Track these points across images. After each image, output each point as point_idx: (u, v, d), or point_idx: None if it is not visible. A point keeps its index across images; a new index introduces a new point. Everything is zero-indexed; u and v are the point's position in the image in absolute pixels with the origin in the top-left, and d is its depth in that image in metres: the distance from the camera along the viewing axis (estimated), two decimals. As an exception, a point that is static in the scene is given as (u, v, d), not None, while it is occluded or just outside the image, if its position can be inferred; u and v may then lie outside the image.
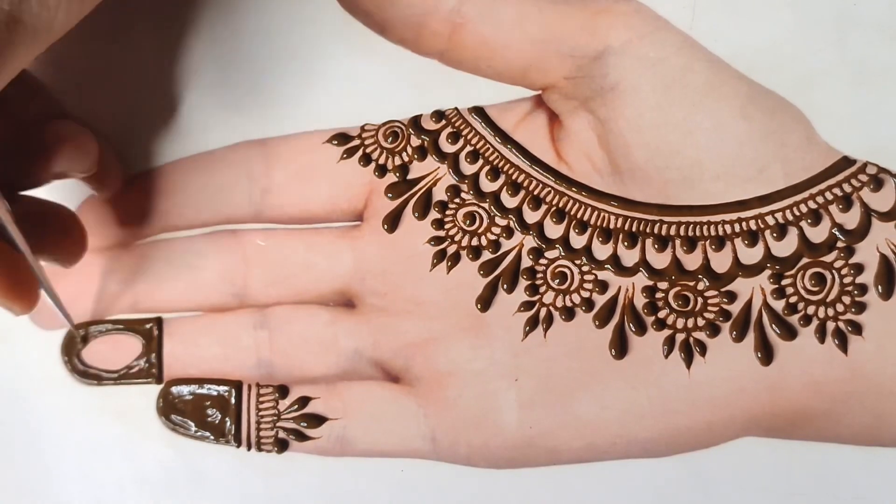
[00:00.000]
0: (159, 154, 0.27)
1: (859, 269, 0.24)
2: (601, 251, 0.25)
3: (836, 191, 0.24)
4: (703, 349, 0.25)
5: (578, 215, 0.25)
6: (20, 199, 0.23)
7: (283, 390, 0.27)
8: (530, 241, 0.26)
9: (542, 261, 0.26)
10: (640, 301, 0.25)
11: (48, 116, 0.24)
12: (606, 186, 0.25)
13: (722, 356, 0.25)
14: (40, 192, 0.23)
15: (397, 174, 0.26)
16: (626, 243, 0.25)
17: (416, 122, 0.26)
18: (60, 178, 0.23)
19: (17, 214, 0.22)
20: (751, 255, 0.24)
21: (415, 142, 0.26)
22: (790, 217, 0.24)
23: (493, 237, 0.26)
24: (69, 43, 0.26)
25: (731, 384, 0.24)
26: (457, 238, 0.26)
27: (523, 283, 0.26)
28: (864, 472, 0.24)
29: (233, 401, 0.27)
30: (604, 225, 0.25)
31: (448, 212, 0.26)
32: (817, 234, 0.24)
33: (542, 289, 0.25)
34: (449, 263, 0.26)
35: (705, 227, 0.25)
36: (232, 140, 0.27)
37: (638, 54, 0.24)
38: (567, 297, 0.25)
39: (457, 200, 0.26)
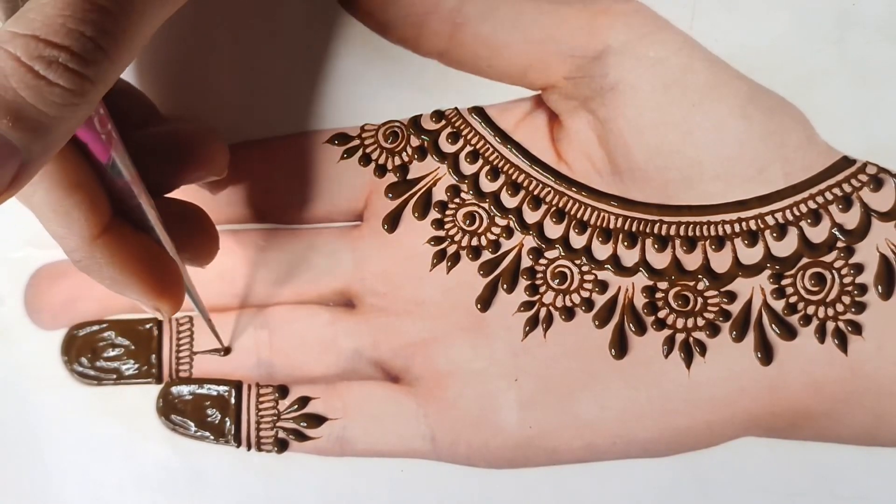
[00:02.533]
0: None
1: (859, 269, 0.24)
2: (601, 251, 0.25)
3: (836, 191, 0.24)
4: (702, 349, 0.25)
5: (578, 215, 0.25)
6: (161, 200, 0.23)
7: (282, 390, 0.27)
8: (530, 241, 0.26)
9: (542, 261, 0.26)
10: (639, 301, 0.25)
11: (153, 119, 0.24)
12: (606, 186, 0.25)
13: (722, 356, 0.25)
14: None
15: (397, 174, 0.26)
16: (625, 243, 0.25)
17: (415, 122, 0.26)
18: (195, 181, 0.24)
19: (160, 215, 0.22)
20: (751, 255, 0.24)
21: (415, 142, 0.26)
22: (790, 217, 0.24)
23: (492, 237, 0.26)
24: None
25: (731, 384, 0.24)
26: (457, 238, 0.26)
27: (523, 283, 0.26)
28: (864, 472, 0.24)
29: (232, 401, 0.27)
30: (604, 225, 0.25)
31: (448, 212, 0.26)
32: (817, 234, 0.24)
33: (542, 289, 0.25)
34: (449, 263, 0.26)
35: (705, 227, 0.25)
36: (232, 140, 0.27)
37: (638, 54, 0.24)
38: (567, 297, 0.25)
39: (457, 200, 0.26)
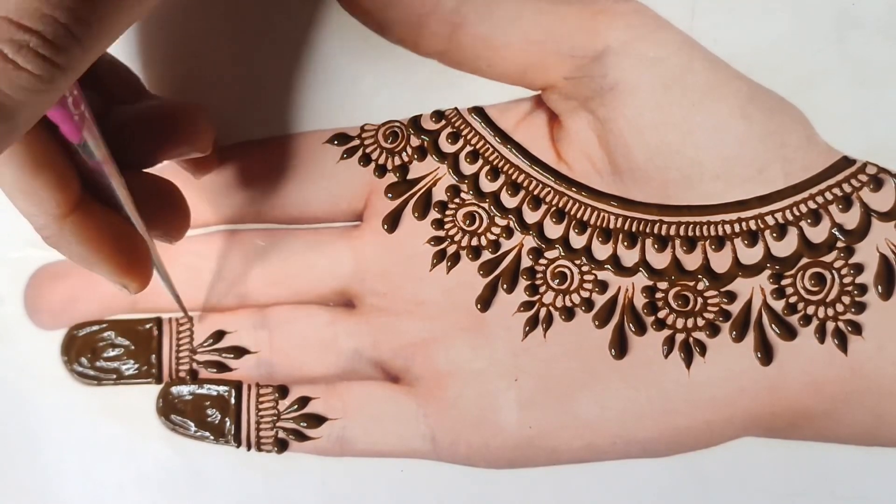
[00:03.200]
0: (159, 154, 0.27)
1: (859, 269, 0.24)
2: (601, 251, 0.25)
3: (836, 191, 0.24)
4: (702, 349, 0.25)
5: (578, 215, 0.25)
6: (132, 175, 0.23)
7: (282, 390, 0.27)
8: (530, 241, 0.26)
9: (542, 261, 0.26)
10: (639, 301, 0.25)
11: (139, 94, 0.24)
12: (606, 186, 0.25)
13: (722, 356, 0.25)
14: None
15: (397, 174, 0.26)
16: (625, 243, 0.25)
17: (415, 122, 0.26)
18: (178, 157, 0.24)
19: (129, 189, 0.22)
20: (751, 255, 0.24)
21: (414, 142, 0.26)
22: (790, 217, 0.24)
23: (492, 237, 0.26)
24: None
25: (731, 384, 0.24)
26: (457, 238, 0.26)
27: (523, 283, 0.26)
28: (864, 472, 0.24)
29: (232, 401, 0.27)
30: (603, 225, 0.25)
31: (448, 212, 0.26)
32: (817, 234, 0.24)
33: (542, 289, 0.25)
34: (449, 263, 0.26)
35: (705, 227, 0.25)
36: (232, 140, 0.27)
37: (637, 54, 0.24)
38: (567, 297, 0.25)
39: (457, 200, 0.26)
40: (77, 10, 0.16)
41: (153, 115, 0.23)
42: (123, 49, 0.27)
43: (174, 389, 0.27)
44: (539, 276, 0.25)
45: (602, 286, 0.25)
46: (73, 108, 0.19)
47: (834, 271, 0.24)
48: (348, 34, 0.26)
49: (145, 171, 0.24)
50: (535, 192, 0.26)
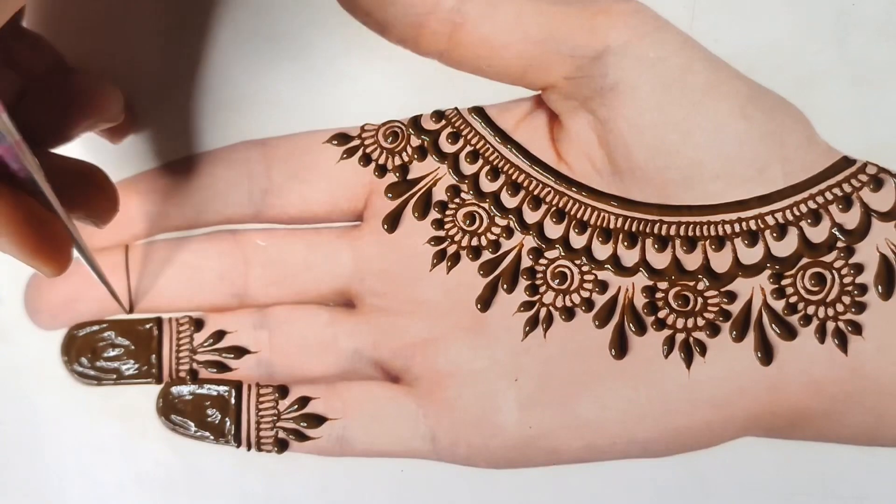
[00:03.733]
0: (159, 154, 0.27)
1: (859, 269, 0.24)
2: (601, 251, 0.25)
3: (836, 191, 0.24)
4: (703, 349, 0.25)
5: (578, 215, 0.25)
6: (50, 157, 0.23)
7: (282, 390, 0.27)
8: (530, 241, 0.26)
9: (542, 261, 0.26)
10: (640, 301, 0.25)
11: (57, 70, 0.24)
12: (606, 186, 0.25)
13: (722, 356, 0.25)
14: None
15: (397, 174, 0.26)
16: (625, 243, 0.25)
17: (416, 122, 0.26)
18: (89, 129, 0.23)
19: (48, 172, 0.21)
20: (751, 255, 0.24)
21: (415, 142, 0.26)
22: (790, 217, 0.24)
23: (493, 237, 0.26)
24: (70, 41, 0.26)
25: (731, 384, 0.24)
26: (457, 238, 0.26)
27: (523, 283, 0.26)
28: (864, 472, 0.24)
29: (232, 401, 0.27)
30: (604, 225, 0.25)
31: (448, 212, 0.26)
32: (817, 234, 0.24)
33: (542, 289, 0.25)
34: (449, 263, 0.26)
35: (705, 227, 0.25)
36: (232, 140, 0.27)
37: (638, 54, 0.24)
38: (567, 297, 0.25)
39: (457, 200, 0.26)
40: None
41: (60, 91, 0.23)
42: (115, 48, 0.27)
43: (174, 389, 0.27)
44: (539, 276, 0.25)
45: (602, 286, 0.25)
46: None
47: (834, 271, 0.24)
48: (348, 34, 0.26)
49: (66, 155, 0.23)
50: (536, 192, 0.26)
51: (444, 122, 0.26)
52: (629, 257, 0.25)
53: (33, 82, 0.23)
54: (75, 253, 0.23)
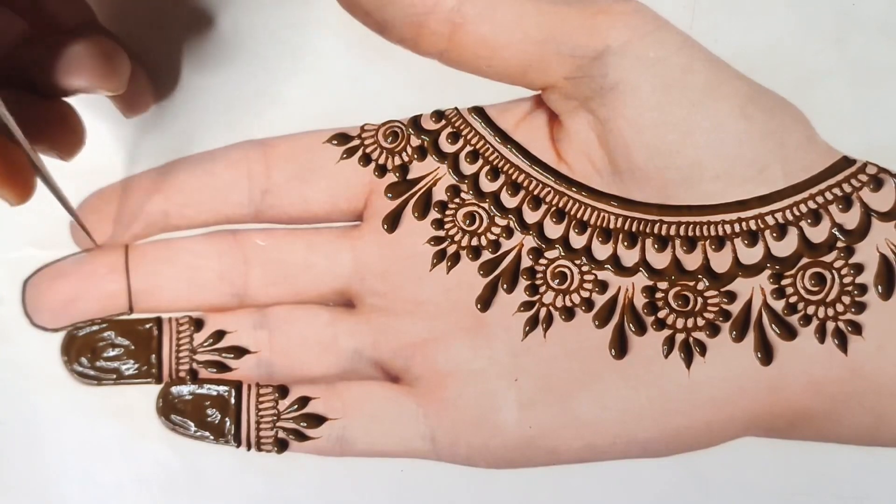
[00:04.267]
0: (159, 154, 0.27)
1: (859, 269, 0.24)
2: (601, 251, 0.25)
3: (836, 191, 0.24)
4: (702, 349, 0.25)
5: (578, 215, 0.25)
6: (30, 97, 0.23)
7: (282, 390, 0.27)
8: (530, 241, 0.26)
9: (542, 261, 0.26)
10: (639, 301, 0.25)
11: (85, 27, 0.24)
12: (606, 186, 0.25)
13: (722, 356, 0.25)
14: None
15: (397, 174, 0.26)
16: (625, 243, 0.25)
17: (416, 122, 0.26)
18: (85, 92, 0.23)
19: (11, 104, 0.21)
20: (751, 255, 0.24)
21: (415, 142, 0.26)
22: (790, 217, 0.24)
23: (492, 237, 0.26)
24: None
25: (731, 384, 0.24)
26: (457, 238, 0.26)
27: (523, 283, 0.26)
28: (864, 472, 0.24)
29: (232, 401, 0.27)
30: (604, 225, 0.25)
31: (448, 212, 0.26)
32: (817, 234, 0.24)
33: (542, 289, 0.25)
34: (449, 263, 0.26)
35: (705, 227, 0.25)
36: (232, 140, 0.27)
37: (638, 54, 0.24)
38: (567, 297, 0.25)
39: (457, 200, 0.26)
40: None
41: (67, 49, 0.22)
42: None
43: (174, 389, 0.27)
44: (539, 276, 0.25)
45: (602, 286, 0.25)
46: None
47: (834, 271, 0.24)
48: (348, 34, 0.26)
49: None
50: (535, 192, 0.26)
51: (444, 122, 0.26)
52: (629, 257, 0.25)
53: (45, 32, 0.22)
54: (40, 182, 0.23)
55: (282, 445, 0.27)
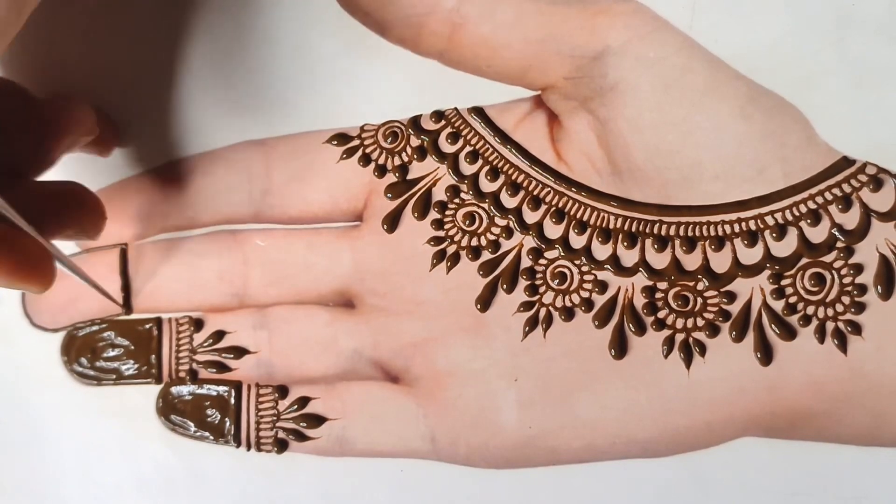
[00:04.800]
0: (159, 154, 0.27)
1: (859, 269, 0.24)
2: (601, 251, 0.25)
3: (836, 191, 0.24)
4: (702, 349, 0.25)
5: (578, 215, 0.25)
6: (28, 184, 0.23)
7: (282, 390, 0.27)
8: (530, 242, 0.26)
9: (542, 261, 0.26)
10: (639, 301, 0.25)
11: (24, 107, 0.24)
12: (606, 186, 0.25)
13: (721, 356, 0.25)
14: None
15: (397, 174, 0.26)
16: (625, 243, 0.25)
17: (415, 122, 0.26)
18: (68, 151, 0.24)
19: (25, 200, 0.21)
20: (750, 256, 0.24)
21: (414, 142, 0.26)
22: (790, 217, 0.24)
23: (492, 237, 0.26)
24: (69, 43, 0.26)
25: (731, 384, 0.24)
26: (456, 238, 0.26)
27: (523, 283, 0.26)
28: (864, 472, 0.24)
29: (232, 401, 0.27)
30: (603, 225, 0.25)
31: (448, 212, 0.26)
32: (817, 235, 0.24)
33: (542, 289, 0.25)
34: (448, 263, 0.26)
35: (705, 228, 0.25)
36: (232, 140, 0.27)
37: (637, 54, 0.24)
38: (566, 298, 0.25)
39: (456, 200, 0.26)
40: None
41: (32, 123, 0.23)
42: (115, 49, 0.27)
43: (174, 389, 0.27)
44: (539, 276, 0.25)
45: (602, 286, 0.25)
46: None
47: (834, 271, 0.24)
48: (348, 34, 0.26)
49: (44, 180, 0.23)
50: (535, 193, 0.26)
51: (443, 122, 0.26)
52: (629, 257, 0.25)
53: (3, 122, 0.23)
54: (61, 267, 0.23)
55: (282, 445, 0.27)
